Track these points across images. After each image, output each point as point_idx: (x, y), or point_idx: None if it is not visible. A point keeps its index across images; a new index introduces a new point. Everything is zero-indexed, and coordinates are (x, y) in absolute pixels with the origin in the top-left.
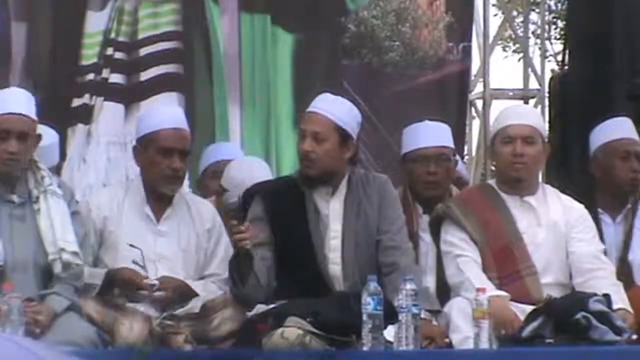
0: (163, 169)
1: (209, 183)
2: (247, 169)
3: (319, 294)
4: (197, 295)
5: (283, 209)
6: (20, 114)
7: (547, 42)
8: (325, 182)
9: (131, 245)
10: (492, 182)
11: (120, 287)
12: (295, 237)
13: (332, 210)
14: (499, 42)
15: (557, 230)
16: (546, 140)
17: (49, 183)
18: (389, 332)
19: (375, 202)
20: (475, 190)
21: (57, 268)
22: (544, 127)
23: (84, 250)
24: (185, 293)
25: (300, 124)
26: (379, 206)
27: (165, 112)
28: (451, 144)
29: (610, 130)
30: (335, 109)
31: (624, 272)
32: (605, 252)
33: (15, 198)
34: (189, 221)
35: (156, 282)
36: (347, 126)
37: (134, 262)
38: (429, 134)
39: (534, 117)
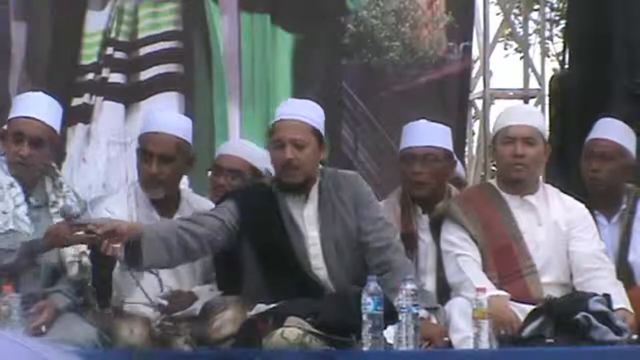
0: (142, 173)
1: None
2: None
3: (311, 295)
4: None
5: (258, 217)
6: (37, 120)
7: (549, 41)
8: (303, 188)
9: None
10: (492, 181)
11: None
12: (274, 245)
13: (307, 217)
14: (500, 39)
15: (558, 229)
16: (547, 140)
17: (67, 190)
18: (389, 333)
19: (349, 203)
20: (476, 190)
21: (74, 270)
22: (545, 127)
23: None
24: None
25: (274, 133)
26: (355, 206)
27: (159, 112)
28: (443, 144)
29: (591, 132)
30: (308, 112)
31: (623, 272)
32: (605, 252)
33: (32, 200)
34: None
35: (164, 302)
36: (320, 127)
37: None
38: (418, 134)
39: (535, 117)
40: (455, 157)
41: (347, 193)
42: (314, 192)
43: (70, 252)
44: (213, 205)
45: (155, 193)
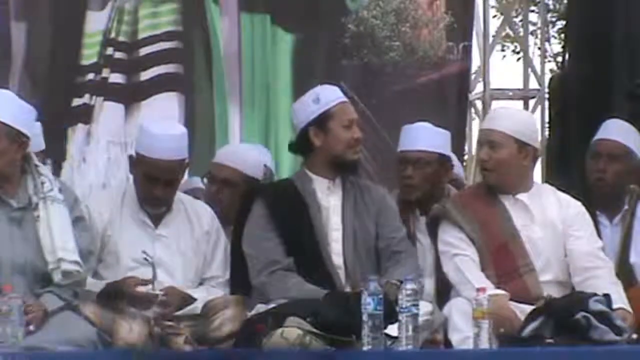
0: (145, 192)
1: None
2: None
3: (323, 284)
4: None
5: (284, 207)
6: None
7: (546, 42)
8: (354, 169)
9: (143, 252)
10: None
11: (125, 299)
12: (299, 232)
13: (333, 204)
14: (502, 37)
15: (554, 227)
16: (536, 140)
17: (50, 189)
18: (394, 329)
19: (372, 210)
20: (472, 190)
21: (57, 277)
22: (525, 129)
23: (91, 256)
24: (188, 304)
25: (339, 115)
26: (377, 214)
27: (162, 136)
28: (437, 149)
29: (597, 132)
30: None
31: (624, 274)
32: (603, 251)
33: (13, 202)
34: (187, 225)
35: (160, 292)
36: None
37: (145, 259)
38: (413, 137)
39: (509, 120)
40: (453, 161)
41: (373, 202)
42: (338, 181)
43: (49, 259)
44: (206, 206)
45: (155, 210)
